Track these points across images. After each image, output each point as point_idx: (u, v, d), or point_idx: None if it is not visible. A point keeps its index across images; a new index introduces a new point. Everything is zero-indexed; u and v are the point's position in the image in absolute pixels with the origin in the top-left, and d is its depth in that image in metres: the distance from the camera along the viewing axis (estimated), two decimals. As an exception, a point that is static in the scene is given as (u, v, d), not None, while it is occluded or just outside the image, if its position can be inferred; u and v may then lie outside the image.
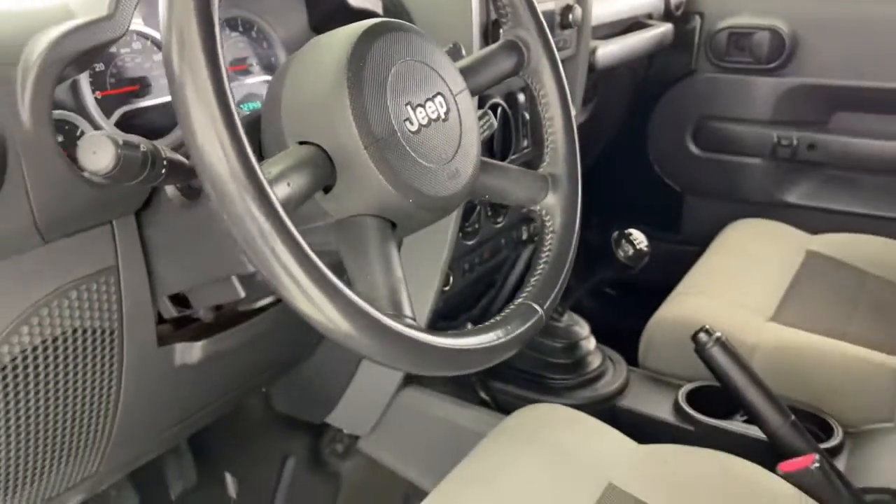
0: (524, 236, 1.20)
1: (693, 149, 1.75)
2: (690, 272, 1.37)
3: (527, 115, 1.05)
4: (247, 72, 0.79)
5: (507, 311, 0.65)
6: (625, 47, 1.34)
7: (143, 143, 0.52)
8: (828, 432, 1.02)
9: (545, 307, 0.66)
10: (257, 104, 0.79)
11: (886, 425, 1.01)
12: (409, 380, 1.14)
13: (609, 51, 1.26)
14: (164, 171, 0.54)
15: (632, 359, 1.23)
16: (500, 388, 1.13)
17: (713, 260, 1.42)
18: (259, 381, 1.02)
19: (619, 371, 1.17)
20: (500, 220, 1.11)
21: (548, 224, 0.72)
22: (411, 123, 0.58)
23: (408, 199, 0.57)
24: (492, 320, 0.62)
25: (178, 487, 1.19)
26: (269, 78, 0.83)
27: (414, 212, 0.59)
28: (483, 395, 1.13)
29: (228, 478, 1.25)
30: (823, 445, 0.97)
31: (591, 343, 1.17)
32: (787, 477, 0.86)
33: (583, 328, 1.16)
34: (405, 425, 1.15)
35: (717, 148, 1.72)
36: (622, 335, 1.28)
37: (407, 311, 0.55)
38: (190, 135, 0.45)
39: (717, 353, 0.93)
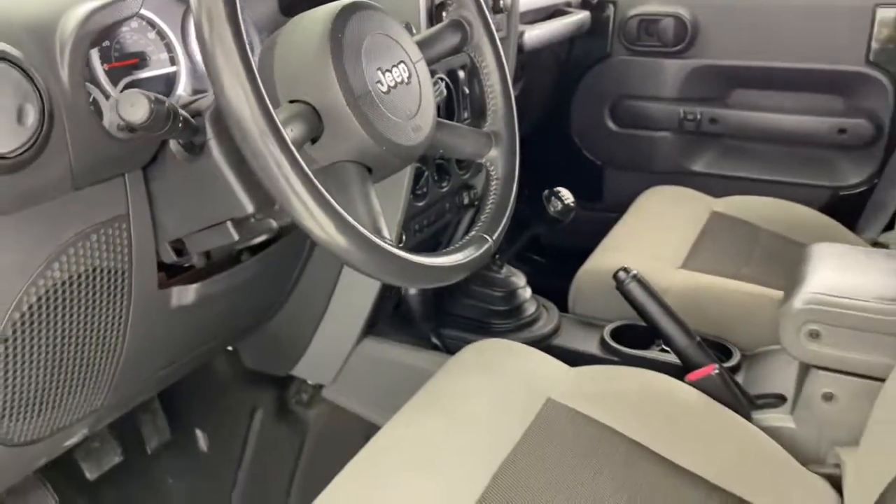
0: (465, 201, 1.34)
1: (611, 125, 1.93)
2: (611, 232, 1.54)
3: (466, 90, 1.19)
4: (226, 49, 0.90)
5: (465, 240, 0.78)
6: (548, 31, 1.50)
7: (167, 101, 0.63)
8: (729, 355, 1.21)
9: (494, 238, 0.80)
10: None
11: (775, 347, 1.19)
12: (368, 331, 1.27)
13: (535, 34, 1.42)
14: (180, 125, 0.66)
15: (562, 309, 1.39)
16: (450, 333, 1.27)
17: (630, 222, 1.60)
18: (238, 328, 1.12)
19: (552, 316, 1.32)
20: (444, 184, 1.24)
21: (492, 173, 0.86)
22: (382, 85, 0.71)
23: (382, 148, 0.70)
24: (453, 246, 0.76)
25: (154, 442, 1.28)
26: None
27: (386, 158, 0.72)
28: (435, 340, 1.26)
29: (199, 433, 1.35)
30: (725, 365, 1.15)
31: (527, 292, 1.32)
32: (694, 384, 1.03)
33: (519, 279, 1.32)
34: (365, 372, 1.27)
35: (631, 124, 1.91)
36: (553, 293, 1.44)
37: (387, 235, 0.68)
38: (219, 89, 0.57)
39: (634, 287, 1.10)
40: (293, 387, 1.33)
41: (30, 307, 0.69)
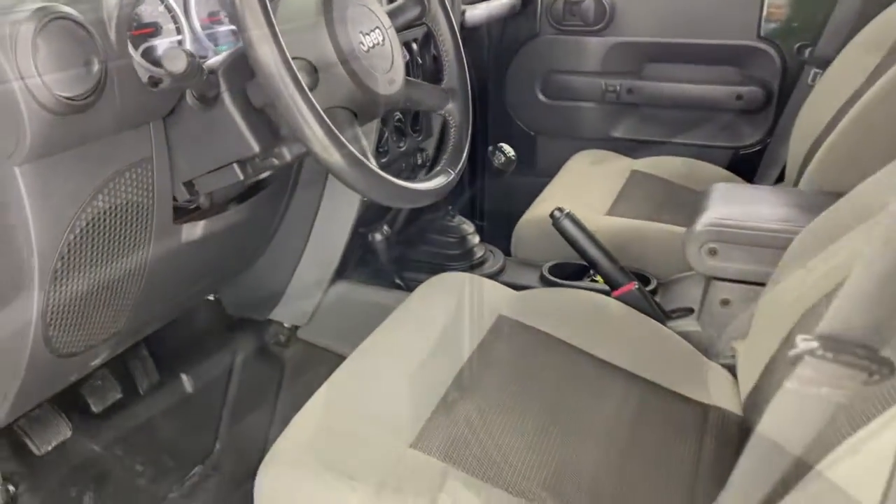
0: (419, 161, 1.52)
1: (541, 98, 2.14)
2: (545, 189, 1.75)
3: (420, 60, 1.37)
4: (220, 22, 1.06)
5: (433, 172, 0.96)
6: (486, 11, 1.69)
7: (196, 57, 0.79)
8: (648, 283, 1.43)
9: (456, 171, 0.99)
10: (230, 45, 1.05)
11: (686, 274, 1.42)
12: (338, 275, 1.44)
13: (475, 13, 1.61)
14: (205, 77, 0.81)
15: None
16: (411, 275, 1.45)
17: (562, 180, 1.81)
18: (229, 267, 1.27)
19: (498, 258, 1.52)
20: (401, 144, 1.42)
21: (450, 122, 1.05)
22: (363, 45, 0.88)
23: (366, 96, 0.88)
24: (425, 176, 0.94)
25: (145, 384, 1.42)
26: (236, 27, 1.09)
27: (369, 105, 0.89)
28: (398, 281, 1.44)
29: (184, 377, 1.49)
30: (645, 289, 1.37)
31: (476, 238, 1.52)
32: (618, 299, 1.24)
33: (469, 227, 1.51)
34: (336, 311, 1.44)
35: (559, 96, 2.13)
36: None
37: (374, 163, 0.86)
38: (249, 43, 0.73)
39: (567, 223, 1.30)
40: (271, 329, 1.48)
41: (81, 230, 0.83)
